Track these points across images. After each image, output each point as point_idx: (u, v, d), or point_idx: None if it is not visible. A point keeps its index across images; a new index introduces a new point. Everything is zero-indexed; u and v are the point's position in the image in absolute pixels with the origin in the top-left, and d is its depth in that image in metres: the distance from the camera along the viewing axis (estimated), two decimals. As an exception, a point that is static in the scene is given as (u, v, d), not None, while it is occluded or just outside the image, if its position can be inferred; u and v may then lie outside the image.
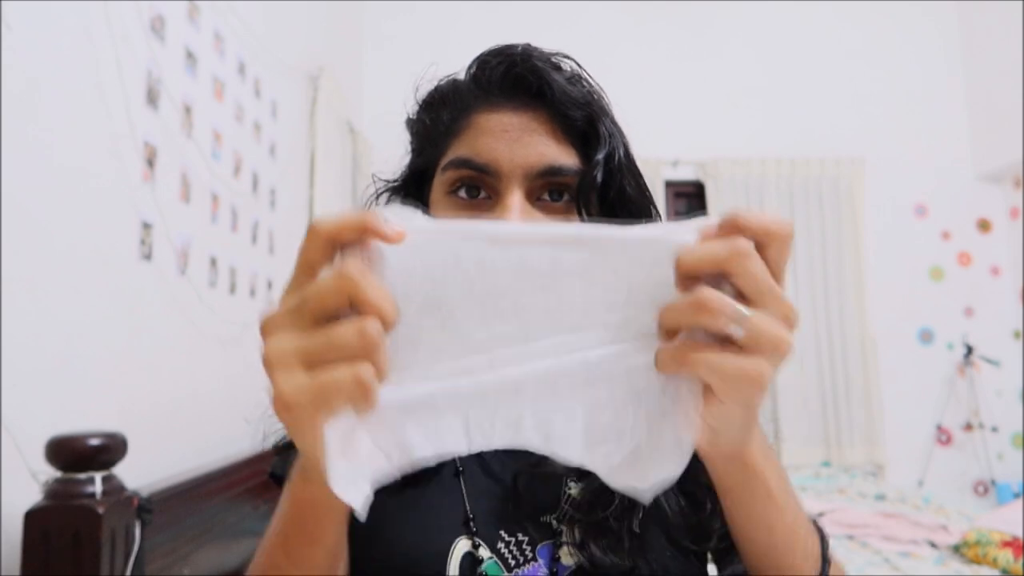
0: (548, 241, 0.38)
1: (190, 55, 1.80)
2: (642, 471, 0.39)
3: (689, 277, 0.36)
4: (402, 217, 0.37)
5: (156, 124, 1.62)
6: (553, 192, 0.58)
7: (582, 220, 0.58)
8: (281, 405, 0.35)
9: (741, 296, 0.36)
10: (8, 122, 1.14)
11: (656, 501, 0.58)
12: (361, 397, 0.34)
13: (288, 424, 0.36)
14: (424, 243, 0.38)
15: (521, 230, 0.39)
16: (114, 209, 1.47)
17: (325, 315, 0.35)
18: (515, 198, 0.56)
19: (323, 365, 0.34)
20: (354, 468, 0.37)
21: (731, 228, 0.37)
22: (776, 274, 0.37)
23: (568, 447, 0.40)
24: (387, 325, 0.35)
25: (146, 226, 1.57)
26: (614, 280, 0.38)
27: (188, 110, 1.78)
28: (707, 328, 0.35)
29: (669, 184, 4.03)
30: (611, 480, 0.40)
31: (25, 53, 1.20)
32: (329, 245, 0.36)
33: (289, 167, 2.61)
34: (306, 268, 0.36)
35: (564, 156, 0.58)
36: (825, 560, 0.50)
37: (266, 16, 2.38)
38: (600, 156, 0.58)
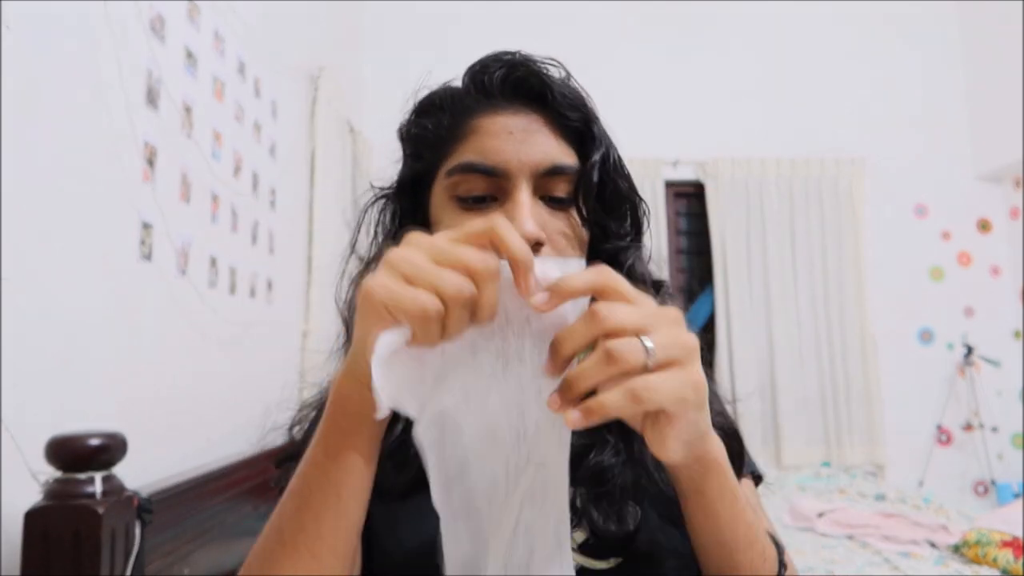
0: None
1: (190, 55, 1.80)
2: None
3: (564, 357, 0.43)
4: None
5: (156, 124, 1.62)
6: (554, 200, 0.60)
7: (581, 217, 0.60)
8: (363, 291, 0.41)
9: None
10: (8, 122, 1.14)
11: (648, 476, 0.58)
12: (422, 321, 0.39)
13: (360, 310, 0.42)
14: None
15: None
16: (114, 209, 1.47)
17: (460, 250, 0.41)
18: (524, 195, 0.58)
19: (414, 288, 0.40)
20: (395, 375, 0.41)
21: (556, 293, 0.42)
22: (630, 300, 0.42)
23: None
24: (484, 311, 0.41)
25: (146, 226, 1.57)
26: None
27: (188, 110, 1.78)
28: (627, 364, 0.40)
29: (669, 184, 4.03)
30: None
31: (25, 53, 1.20)
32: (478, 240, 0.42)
33: (289, 167, 2.61)
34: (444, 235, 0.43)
35: (565, 156, 0.60)
36: (782, 564, 0.51)
37: (266, 16, 2.38)
38: (597, 156, 0.60)
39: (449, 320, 0.40)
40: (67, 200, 1.32)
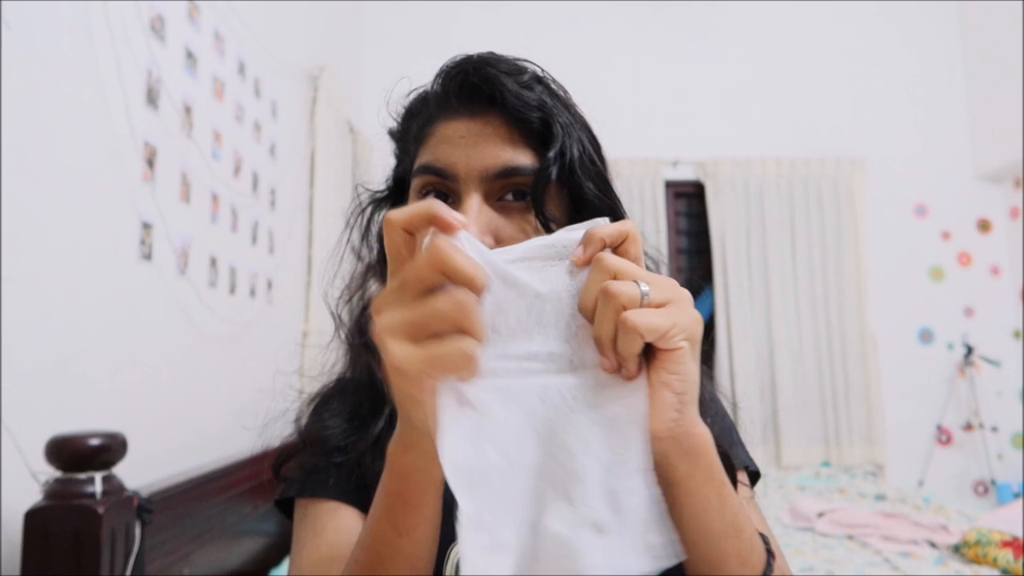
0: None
1: (190, 55, 1.80)
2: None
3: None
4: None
5: (156, 124, 1.62)
6: (516, 194, 0.60)
7: (539, 218, 0.59)
8: (395, 372, 0.40)
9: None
10: (8, 122, 1.14)
11: None
12: (465, 366, 0.39)
13: (400, 389, 0.42)
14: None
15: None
16: (114, 209, 1.47)
17: (424, 289, 0.40)
18: (473, 200, 0.58)
19: (429, 336, 0.39)
20: (460, 431, 0.40)
21: (597, 242, 0.45)
22: (638, 259, 0.46)
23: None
24: (478, 290, 0.40)
25: (146, 226, 1.57)
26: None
27: (188, 110, 1.78)
28: (631, 296, 0.42)
29: (669, 184, 4.03)
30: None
31: (25, 53, 1.20)
32: (405, 233, 0.43)
33: (289, 167, 2.61)
34: (395, 256, 0.43)
35: (521, 157, 0.60)
36: (770, 552, 0.51)
37: (266, 16, 2.38)
38: (551, 154, 0.59)
39: (473, 327, 0.39)
40: (67, 200, 1.32)
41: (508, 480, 0.42)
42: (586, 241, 0.45)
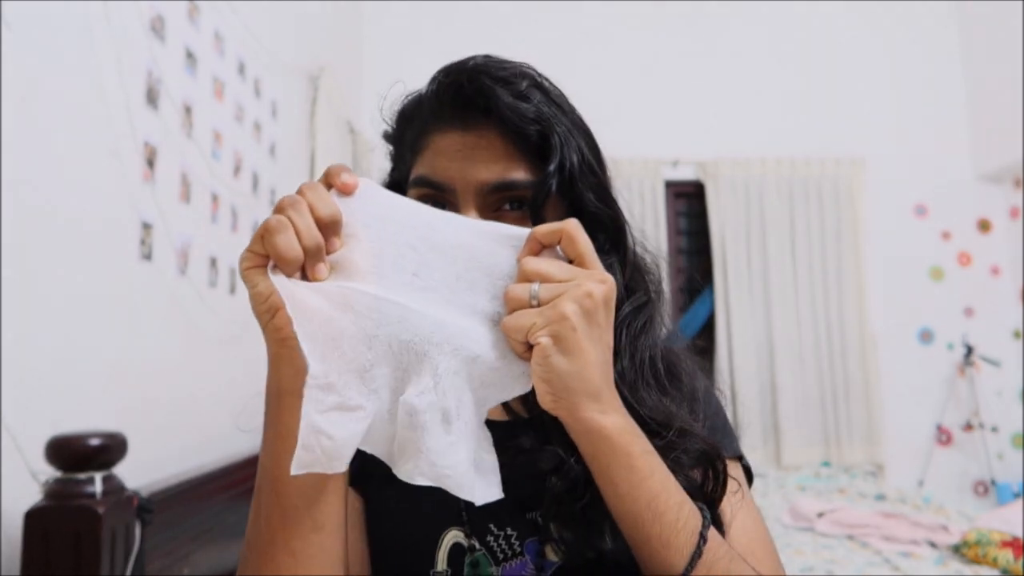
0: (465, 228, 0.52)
1: (190, 55, 1.80)
2: (498, 391, 0.51)
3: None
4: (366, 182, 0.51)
5: (156, 124, 1.62)
6: (513, 203, 0.60)
7: None
8: (241, 273, 0.48)
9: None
10: (8, 122, 1.14)
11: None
12: (276, 244, 0.45)
13: (244, 281, 0.47)
14: (398, 200, 0.52)
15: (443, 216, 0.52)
16: (114, 209, 1.47)
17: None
18: (471, 214, 0.58)
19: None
20: (317, 310, 0.45)
21: (532, 242, 0.51)
22: (581, 254, 0.50)
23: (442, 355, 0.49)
24: (323, 221, 0.47)
25: (146, 226, 1.57)
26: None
27: (188, 110, 1.78)
28: (519, 298, 0.49)
29: (669, 184, 4.03)
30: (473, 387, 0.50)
31: (25, 53, 1.20)
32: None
33: (289, 167, 2.61)
34: None
35: (516, 170, 0.59)
36: (703, 537, 0.51)
37: (266, 16, 2.38)
38: (551, 168, 0.59)
39: (292, 217, 0.46)
40: (67, 200, 1.32)
41: (362, 352, 0.46)
42: (527, 239, 0.51)
